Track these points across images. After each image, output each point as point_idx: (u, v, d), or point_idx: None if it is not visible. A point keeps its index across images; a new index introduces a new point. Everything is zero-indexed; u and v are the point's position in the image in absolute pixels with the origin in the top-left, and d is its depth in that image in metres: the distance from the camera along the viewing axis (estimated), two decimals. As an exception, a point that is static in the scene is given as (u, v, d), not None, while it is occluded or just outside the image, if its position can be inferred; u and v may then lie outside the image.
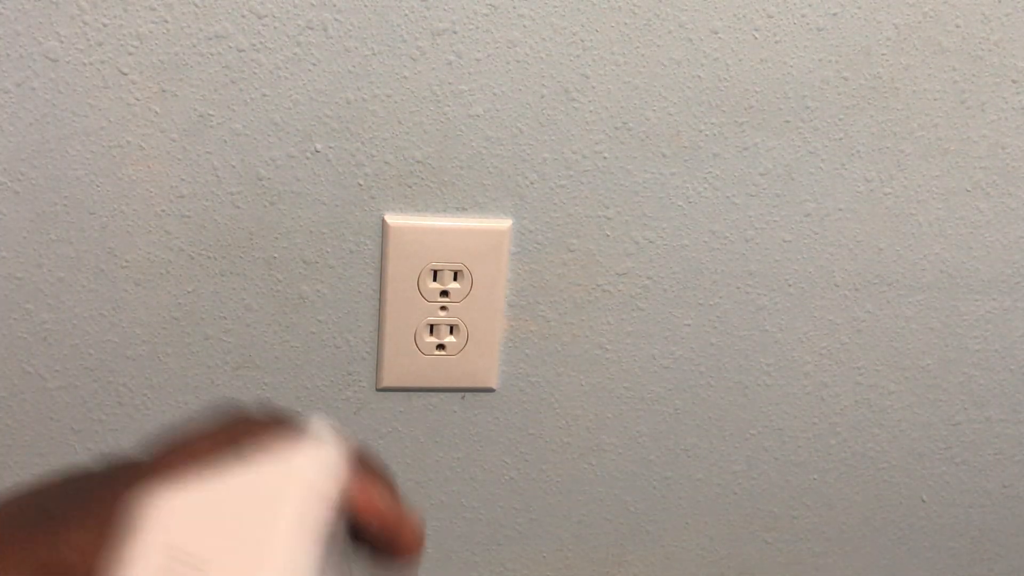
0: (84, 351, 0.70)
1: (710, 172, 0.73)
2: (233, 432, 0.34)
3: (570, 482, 0.81)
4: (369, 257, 0.71)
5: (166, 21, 0.63)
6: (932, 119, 0.74)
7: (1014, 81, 0.73)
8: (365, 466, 0.37)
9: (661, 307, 0.76)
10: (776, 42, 0.70)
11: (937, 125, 0.74)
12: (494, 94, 0.68)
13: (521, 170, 0.70)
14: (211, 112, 0.66)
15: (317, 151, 0.68)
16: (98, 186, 0.66)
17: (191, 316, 0.71)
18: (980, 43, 0.72)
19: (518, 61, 0.68)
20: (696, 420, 0.80)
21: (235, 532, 0.29)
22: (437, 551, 0.81)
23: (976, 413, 0.84)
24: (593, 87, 0.69)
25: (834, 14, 0.70)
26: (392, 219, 0.70)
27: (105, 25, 0.63)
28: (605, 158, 0.71)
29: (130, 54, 0.64)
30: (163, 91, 0.65)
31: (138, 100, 0.65)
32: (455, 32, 0.66)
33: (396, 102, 0.67)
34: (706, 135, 0.71)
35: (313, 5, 0.64)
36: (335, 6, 0.65)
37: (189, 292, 0.70)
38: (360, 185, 0.69)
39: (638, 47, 0.68)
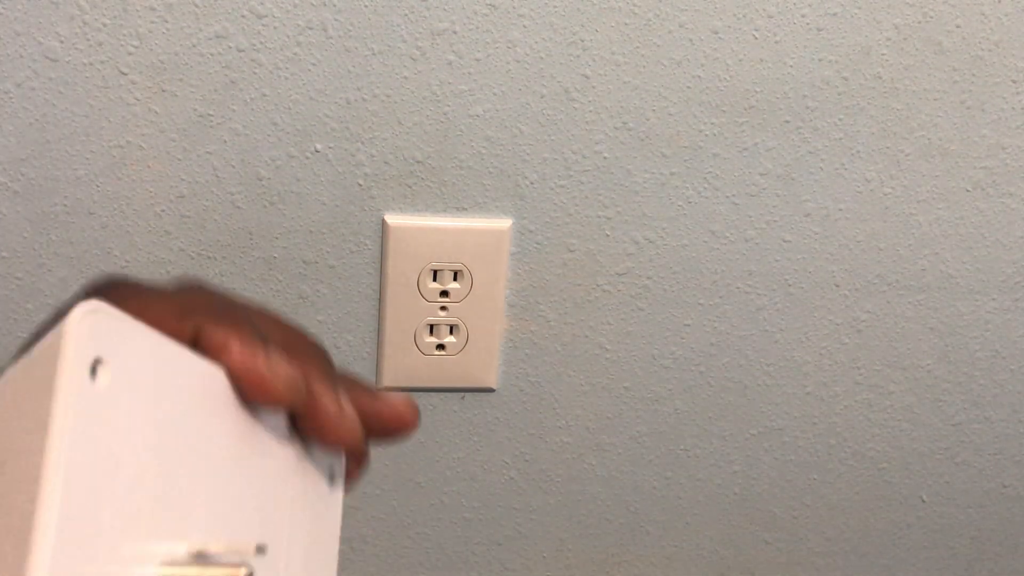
0: (84, 351, 0.70)
1: (710, 172, 0.73)
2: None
3: (570, 482, 0.81)
4: (369, 257, 0.71)
5: (166, 21, 0.63)
6: (932, 119, 0.74)
7: (1014, 81, 0.73)
8: (228, 317, 0.28)
9: (661, 307, 0.76)
10: (776, 42, 0.70)
11: (937, 125, 0.74)
12: (494, 94, 0.68)
13: (521, 170, 0.70)
14: (211, 112, 0.66)
15: (317, 151, 0.68)
16: (98, 186, 0.66)
17: (191, 316, 0.71)
18: (980, 43, 0.72)
19: (518, 61, 0.68)
20: (696, 420, 0.80)
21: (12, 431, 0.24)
22: (437, 551, 0.81)
23: (976, 413, 0.84)
24: (593, 87, 0.69)
25: (834, 14, 0.70)
26: (392, 219, 0.70)
27: (105, 25, 0.63)
28: (605, 158, 0.71)
29: (130, 54, 0.64)
30: (163, 91, 0.65)
31: (138, 100, 0.65)
32: (455, 32, 0.66)
33: (396, 102, 0.67)
34: (706, 135, 0.71)
35: (313, 5, 0.64)
36: (335, 6, 0.65)
37: (189, 292, 0.70)
38: (360, 185, 0.69)
39: (638, 47, 0.68)
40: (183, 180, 0.67)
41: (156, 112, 0.65)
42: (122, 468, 0.24)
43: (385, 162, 0.69)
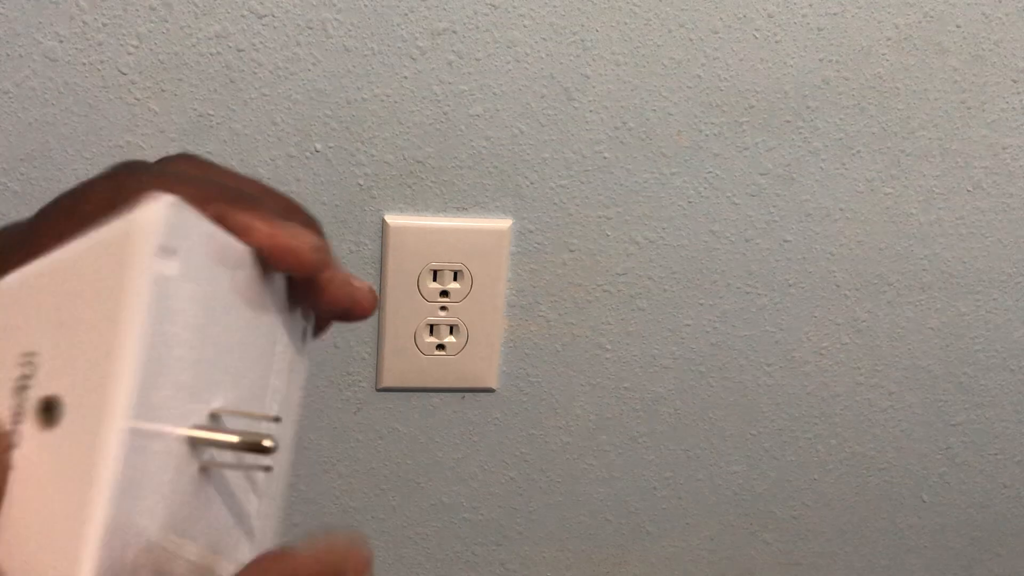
0: (84, 351, 0.70)
1: (710, 172, 0.73)
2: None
3: (570, 482, 0.81)
4: (369, 257, 0.71)
5: (166, 21, 0.63)
6: (932, 119, 0.74)
7: (1014, 81, 0.73)
8: (257, 205, 0.31)
9: (661, 307, 0.76)
10: (776, 42, 0.70)
11: (937, 125, 0.74)
12: (494, 94, 0.68)
13: (521, 170, 0.70)
14: (211, 112, 0.66)
15: (317, 151, 0.68)
16: (98, 186, 0.66)
17: (191, 316, 0.71)
18: (980, 43, 0.72)
19: (518, 61, 0.68)
20: (696, 420, 0.80)
21: (70, 319, 0.26)
22: (437, 551, 0.81)
23: (976, 413, 0.84)
24: (593, 87, 0.69)
25: (834, 14, 0.70)
26: (392, 219, 0.70)
27: (105, 25, 0.63)
28: (605, 158, 0.71)
29: (130, 54, 0.64)
30: (163, 91, 0.65)
31: (138, 100, 0.65)
32: (455, 32, 0.66)
33: (396, 102, 0.67)
34: (706, 135, 0.71)
35: (313, 5, 0.64)
36: (335, 6, 0.65)
37: (189, 292, 0.70)
38: (360, 185, 0.69)
39: (638, 47, 0.68)
40: (183, 180, 0.67)
41: (156, 112, 0.65)
42: (174, 346, 0.27)
43: (385, 162, 0.69)
